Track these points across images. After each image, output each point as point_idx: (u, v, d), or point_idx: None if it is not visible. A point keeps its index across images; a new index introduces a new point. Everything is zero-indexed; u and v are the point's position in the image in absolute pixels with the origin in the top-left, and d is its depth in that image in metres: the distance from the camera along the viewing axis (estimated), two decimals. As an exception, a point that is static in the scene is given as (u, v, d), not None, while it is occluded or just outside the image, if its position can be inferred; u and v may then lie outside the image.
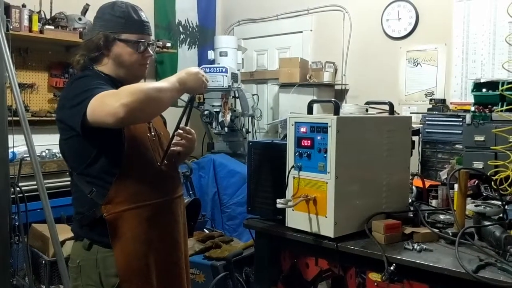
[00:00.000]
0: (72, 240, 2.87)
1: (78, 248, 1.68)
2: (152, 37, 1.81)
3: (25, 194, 2.89)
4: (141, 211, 1.67)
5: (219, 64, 4.85)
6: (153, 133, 1.77)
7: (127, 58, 1.71)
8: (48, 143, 3.90)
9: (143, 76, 1.82)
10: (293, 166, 1.79)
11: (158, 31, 5.03)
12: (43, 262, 2.81)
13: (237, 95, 4.81)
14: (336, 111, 1.79)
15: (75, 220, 1.73)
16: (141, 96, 1.46)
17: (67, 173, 1.78)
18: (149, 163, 1.71)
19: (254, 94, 5.10)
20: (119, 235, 1.62)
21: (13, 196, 2.88)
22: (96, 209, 1.63)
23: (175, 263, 1.79)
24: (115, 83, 1.68)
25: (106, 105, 1.46)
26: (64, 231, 2.99)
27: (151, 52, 1.77)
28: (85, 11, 4.11)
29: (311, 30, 5.03)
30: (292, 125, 1.80)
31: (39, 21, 3.72)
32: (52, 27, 3.84)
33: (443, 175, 3.53)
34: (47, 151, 3.80)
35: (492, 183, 2.49)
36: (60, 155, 3.76)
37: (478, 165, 3.06)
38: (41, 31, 3.74)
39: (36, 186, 2.73)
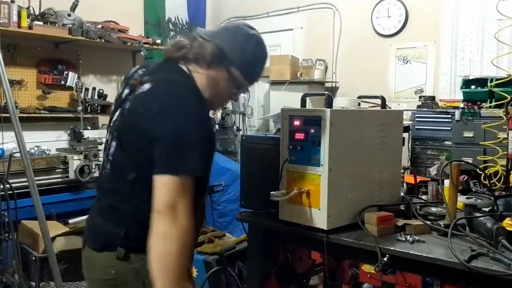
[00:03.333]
0: (63, 236, 2.89)
1: (109, 258, 1.48)
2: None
3: (15, 191, 2.87)
4: None
5: (209, 61, 4.83)
6: None
7: (222, 89, 1.58)
8: (37, 140, 3.87)
9: (215, 110, 1.75)
10: (286, 159, 1.79)
11: (147, 28, 5.03)
12: (33, 258, 2.78)
13: (228, 93, 4.80)
14: (329, 105, 1.80)
15: (113, 227, 1.49)
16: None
17: (125, 179, 1.47)
18: None
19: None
20: None
21: (3, 193, 2.86)
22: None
23: None
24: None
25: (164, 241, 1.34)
26: (54, 228, 2.97)
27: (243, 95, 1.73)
28: (74, 7, 4.09)
29: (301, 28, 5.05)
30: (286, 118, 1.80)
31: (28, 17, 3.69)
32: (41, 23, 3.81)
33: (433, 171, 3.56)
34: (36, 148, 3.76)
35: (482, 178, 2.52)
36: (49, 152, 3.78)
37: (467, 161, 3.10)
38: (30, 27, 3.71)
39: (25, 183, 2.71)
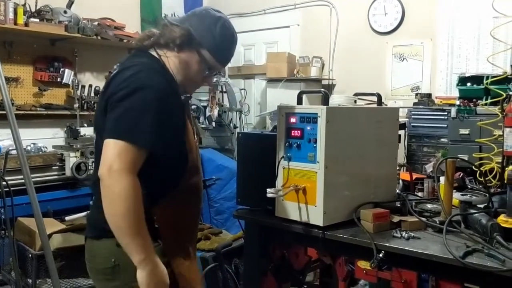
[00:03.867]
0: (59, 233, 2.89)
1: (109, 246, 1.49)
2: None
3: (11, 188, 2.87)
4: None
5: (206, 58, 4.82)
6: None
7: (194, 72, 1.62)
8: (33, 137, 3.87)
9: (190, 93, 1.78)
10: (283, 157, 1.80)
11: (144, 25, 5.01)
12: (30, 255, 2.78)
13: (224, 90, 4.81)
14: (325, 102, 1.80)
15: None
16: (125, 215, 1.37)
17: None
18: None
19: (242, 89, 5.10)
20: None
21: (-1, 190, 2.85)
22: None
23: None
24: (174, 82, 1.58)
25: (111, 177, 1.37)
26: (51, 225, 2.97)
27: (212, 81, 1.74)
28: (70, 4, 4.08)
29: (298, 25, 5.04)
30: (282, 115, 1.81)
31: (24, 14, 3.69)
32: (37, 20, 3.80)
33: (429, 168, 3.58)
34: (32, 145, 3.76)
35: (477, 175, 2.53)
36: (45, 149, 3.78)
37: (462, 158, 3.12)
38: (26, 24, 3.70)
39: (21, 181, 2.71)
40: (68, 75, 4.12)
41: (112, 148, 1.39)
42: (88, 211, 3.34)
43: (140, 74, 1.47)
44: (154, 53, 1.60)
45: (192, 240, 1.79)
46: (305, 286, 2.30)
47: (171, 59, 1.59)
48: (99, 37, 4.18)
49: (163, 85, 1.49)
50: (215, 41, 1.59)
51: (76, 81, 4.19)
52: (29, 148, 3.69)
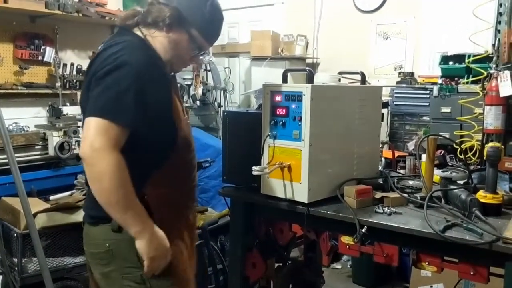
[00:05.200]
0: (44, 213, 2.88)
1: (104, 231, 1.52)
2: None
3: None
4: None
5: (190, 36, 4.78)
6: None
7: (183, 51, 1.61)
8: (14, 116, 3.82)
9: (177, 71, 1.78)
10: (268, 135, 1.82)
11: (126, 2, 4.92)
12: (15, 235, 2.77)
13: (208, 68, 4.78)
14: (310, 80, 1.81)
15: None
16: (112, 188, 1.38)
17: None
18: None
19: (226, 67, 5.08)
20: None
21: (-19, 169, 2.83)
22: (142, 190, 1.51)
23: None
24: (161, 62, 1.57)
25: (92, 147, 1.36)
26: (35, 204, 2.95)
27: (200, 60, 1.73)
28: (50, -20, 3.98)
29: (282, 3, 5.02)
30: (268, 93, 1.82)
31: (3, -10, 3.60)
32: (17, -4, 3.71)
33: (411, 146, 3.63)
34: (14, 125, 3.72)
35: (458, 152, 2.58)
36: (27, 129, 3.73)
37: (444, 135, 3.17)
38: (5, 1, 3.62)
39: (4, 160, 2.69)
40: (49, 53, 4.05)
41: (93, 126, 1.38)
42: (73, 191, 3.37)
43: (122, 51, 1.46)
44: (138, 32, 1.58)
45: (184, 220, 1.73)
46: (289, 262, 2.34)
47: (158, 39, 1.57)
48: (80, 14, 4.11)
49: (145, 62, 1.48)
50: (205, 20, 1.59)
51: (58, 59, 4.13)
52: (11, 127, 3.65)
